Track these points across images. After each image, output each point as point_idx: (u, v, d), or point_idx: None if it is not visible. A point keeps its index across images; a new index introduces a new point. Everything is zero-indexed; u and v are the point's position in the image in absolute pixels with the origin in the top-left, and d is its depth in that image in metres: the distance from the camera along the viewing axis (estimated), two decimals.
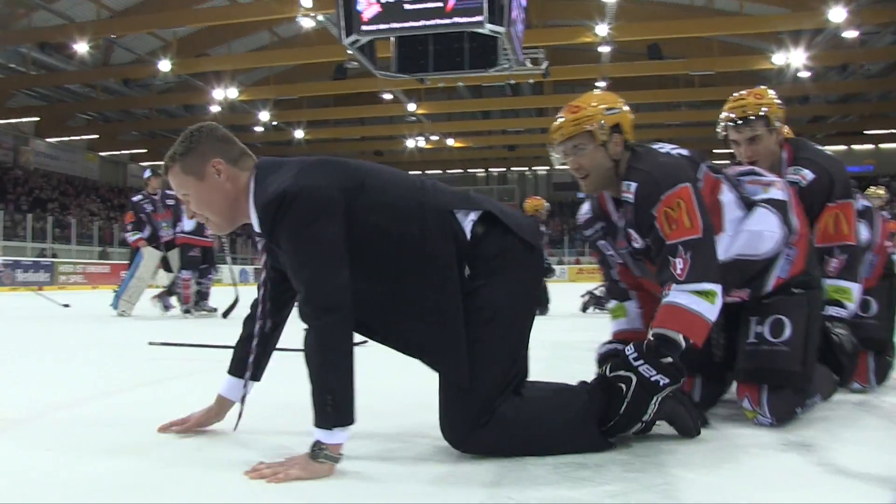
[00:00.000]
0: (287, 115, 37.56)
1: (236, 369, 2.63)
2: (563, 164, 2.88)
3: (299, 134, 39.85)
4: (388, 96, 33.90)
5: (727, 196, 2.87)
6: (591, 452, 2.32)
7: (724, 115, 3.52)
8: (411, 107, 34.55)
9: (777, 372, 2.79)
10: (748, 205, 2.89)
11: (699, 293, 2.51)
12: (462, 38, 13.70)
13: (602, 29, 24.41)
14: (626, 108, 2.85)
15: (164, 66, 27.51)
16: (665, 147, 2.89)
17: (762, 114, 3.41)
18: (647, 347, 2.47)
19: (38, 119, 38.46)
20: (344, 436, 2.14)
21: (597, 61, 29.78)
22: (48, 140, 40.40)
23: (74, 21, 25.94)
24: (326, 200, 2.21)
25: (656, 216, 2.59)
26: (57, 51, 27.66)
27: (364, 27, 13.12)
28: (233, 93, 31.49)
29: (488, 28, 12.67)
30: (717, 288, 2.53)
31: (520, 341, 2.44)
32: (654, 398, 2.43)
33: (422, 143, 43.00)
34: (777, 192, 2.93)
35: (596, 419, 2.39)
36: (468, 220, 2.40)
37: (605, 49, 28.12)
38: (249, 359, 2.58)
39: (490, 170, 55.53)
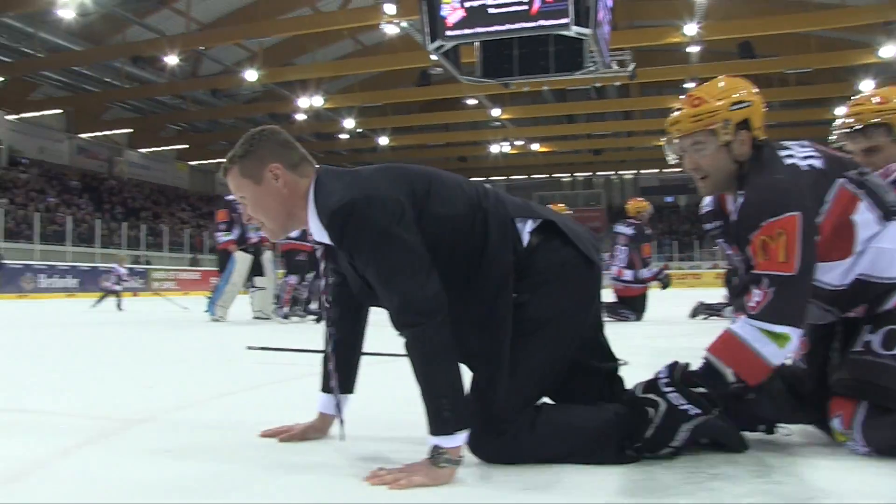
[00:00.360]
0: (372, 122, 37.80)
1: (325, 385, 2.60)
2: (678, 161, 2.58)
3: (384, 141, 40.08)
4: (472, 101, 33.83)
5: (863, 215, 2.39)
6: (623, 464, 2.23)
7: (839, 121, 3.06)
8: (496, 112, 34.37)
9: (880, 389, 2.32)
10: (889, 217, 2.42)
11: (769, 333, 2.25)
12: (547, 41, 13.43)
13: (691, 28, 23.71)
14: (757, 97, 2.48)
15: (251, 76, 27.95)
16: (798, 152, 2.46)
17: (882, 121, 2.90)
18: (682, 374, 2.31)
19: (131, 131, 39.62)
20: (462, 438, 2.10)
21: (685, 62, 29.11)
22: (140, 151, 41.57)
23: (165, 35, 26.50)
24: (400, 207, 2.17)
25: (752, 241, 2.32)
26: (149, 64, 28.36)
27: (448, 32, 12.99)
28: (318, 101, 31.79)
29: (574, 30, 12.38)
30: (793, 333, 2.27)
31: (558, 360, 2.35)
32: (683, 426, 2.26)
33: (506, 148, 42.84)
34: None
35: (619, 437, 2.27)
36: (526, 230, 2.34)
37: (693, 49, 27.46)
38: (333, 372, 2.55)
39: (575, 174, 54.95)
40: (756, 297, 2.28)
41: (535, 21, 12.44)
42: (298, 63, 31.91)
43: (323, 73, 31.32)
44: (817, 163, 2.42)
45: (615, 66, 18.03)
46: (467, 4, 12.78)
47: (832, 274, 2.41)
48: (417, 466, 2.08)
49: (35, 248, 26.84)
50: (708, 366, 2.30)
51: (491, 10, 12.68)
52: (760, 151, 2.44)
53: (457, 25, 12.99)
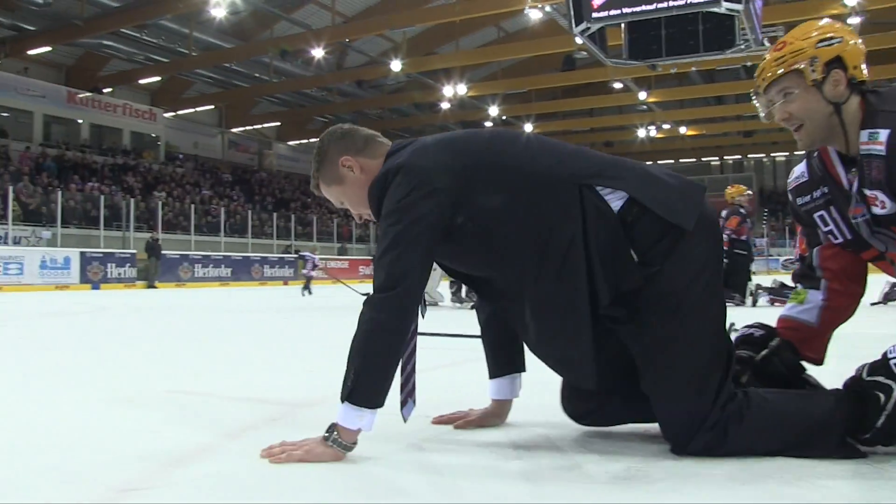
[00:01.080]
0: (516, 108, 37.48)
1: (490, 370, 2.51)
2: (771, 116, 2.23)
3: (528, 127, 39.67)
4: (618, 85, 32.98)
5: None
6: (836, 460, 1.95)
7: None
8: (642, 95, 33.38)
9: None
10: None
11: None
12: (696, 19, 12.92)
13: None
14: (854, 39, 2.14)
15: (395, 66, 28.07)
16: None
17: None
18: None
19: (279, 124, 40.68)
20: (360, 423, 2.01)
21: None
22: (289, 143, 42.63)
23: (311, 28, 26.91)
24: (425, 179, 2.08)
25: None
26: (296, 58, 28.89)
27: (595, 14, 12.65)
28: (462, 89, 31.73)
29: (725, 7, 11.88)
30: None
31: (718, 330, 2.13)
32: None
33: (653, 132, 41.69)
34: None
35: (843, 427, 2.00)
36: (617, 199, 2.08)
37: (854, 20, 25.70)
38: (497, 355, 2.49)
39: (725, 157, 53.09)
40: None
41: None
42: (442, 52, 31.87)
43: (466, 62, 31.16)
44: None
45: (767, 44, 17.13)
46: None
47: None
48: (310, 441, 2.03)
49: (191, 238, 27.83)
50: None
51: None
52: (874, 91, 2.11)
53: (603, 7, 12.69)
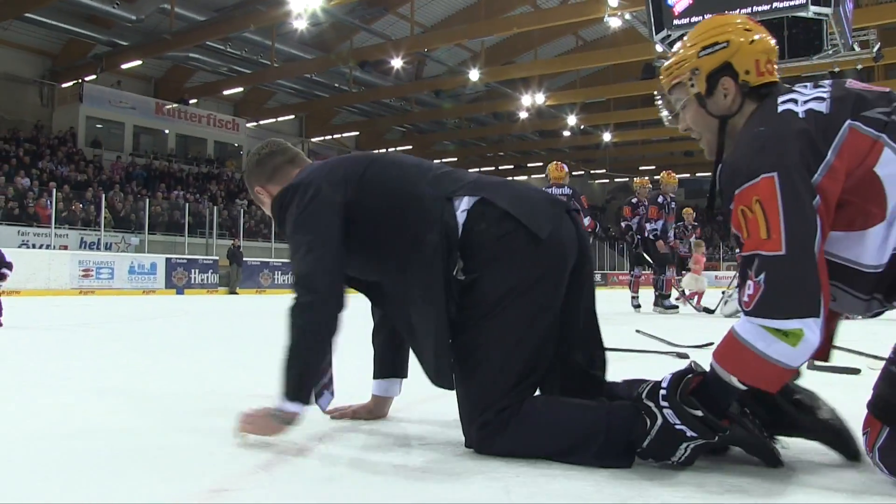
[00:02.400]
0: (594, 118, 37.23)
1: (375, 371, 2.76)
2: (673, 122, 2.19)
3: (607, 137, 39.39)
4: None
5: (890, 167, 1.79)
6: (609, 468, 2.02)
7: None
8: None
9: None
10: None
11: (773, 331, 1.78)
12: (782, 23, 12.57)
13: None
14: (748, 37, 2.00)
15: (474, 75, 28.20)
16: (804, 94, 1.92)
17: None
18: (684, 391, 1.92)
19: (357, 133, 41.16)
20: (297, 408, 2.26)
21: None
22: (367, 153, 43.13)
23: (390, 38, 27.20)
24: (318, 192, 2.32)
25: (732, 215, 1.87)
26: (375, 68, 29.24)
27: (676, 21, 12.50)
28: (540, 98, 31.70)
29: (812, 11, 11.53)
30: (805, 326, 1.76)
31: (529, 338, 2.20)
32: (682, 445, 1.92)
33: None
34: None
35: (607, 440, 2.04)
36: (461, 207, 2.26)
37: None
38: (383, 359, 2.75)
39: None
40: (749, 288, 1.81)
41: (770, 3, 11.80)
42: (520, 61, 31.89)
43: (545, 71, 31.11)
44: (820, 106, 1.87)
45: (857, 48, 16.68)
46: None
47: (863, 248, 1.83)
48: (260, 414, 2.29)
49: (271, 246, 28.32)
50: (714, 374, 1.90)
51: None
52: (762, 102, 1.98)
53: (684, 13, 12.52)
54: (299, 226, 2.30)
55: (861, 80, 2.11)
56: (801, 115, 1.88)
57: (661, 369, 2.48)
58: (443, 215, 2.25)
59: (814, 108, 1.89)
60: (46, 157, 25.85)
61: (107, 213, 22.82)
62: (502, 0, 27.93)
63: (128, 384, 3.79)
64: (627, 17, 22.37)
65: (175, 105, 32.38)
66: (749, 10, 11.96)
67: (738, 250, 1.94)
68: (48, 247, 20.26)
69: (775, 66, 2.05)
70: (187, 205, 25.71)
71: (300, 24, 24.41)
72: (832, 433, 2.08)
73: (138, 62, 27.98)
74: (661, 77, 2.14)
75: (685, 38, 2.11)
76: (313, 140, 40.96)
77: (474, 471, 2.03)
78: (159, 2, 23.57)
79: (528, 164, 50.07)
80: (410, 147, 43.82)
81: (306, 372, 2.28)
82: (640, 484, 1.89)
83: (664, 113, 2.24)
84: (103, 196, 23.07)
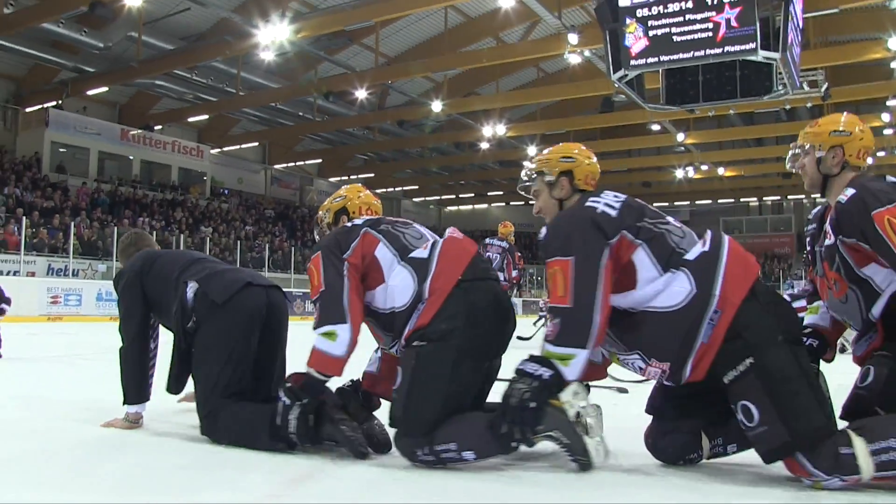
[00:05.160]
0: None
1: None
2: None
3: None
4: (656, 127, 33.27)
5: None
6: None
7: None
8: (680, 137, 33.63)
9: (775, 451, 2.71)
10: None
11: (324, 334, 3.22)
12: (734, 65, 13.13)
13: (895, 42, 21.98)
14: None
15: (436, 106, 28.66)
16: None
17: (535, 169, 3.47)
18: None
19: (320, 161, 41.47)
20: (133, 409, 3.91)
21: (888, 77, 27.26)
22: (330, 179, 43.36)
23: (355, 70, 27.60)
24: (127, 278, 4.01)
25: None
26: (339, 97, 29.64)
27: (633, 62, 12.89)
28: (501, 129, 32.21)
29: (762, 55, 12.01)
30: (336, 328, 3.20)
31: (226, 365, 3.58)
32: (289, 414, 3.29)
33: (691, 173, 41.76)
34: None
35: (269, 431, 3.32)
36: (190, 288, 3.75)
37: None
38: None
39: (764, 199, 52.74)
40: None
41: (721, 47, 12.15)
42: (482, 92, 32.48)
43: (506, 103, 31.70)
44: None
45: (806, 88, 17.33)
46: (651, 33, 12.64)
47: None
48: (120, 419, 3.92)
49: None
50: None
51: (676, 38, 12.48)
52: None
53: (641, 54, 12.88)
54: (122, 301, 4.01)
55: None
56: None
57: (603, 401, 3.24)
58: (179, 294, 3.76)
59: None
60: (12, 182, 25.80)
61: (75, 240, 22.87)
62: (466, 33, 28.45)
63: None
64: (587, 53, 23.11)
65: (140, 131, 32.44)
66: (702, 52, 12.44)
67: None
68: (17, 273, 20.26)
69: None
70: (154, 232, 25.80)
71: (267, 55, 24.79)
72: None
73: (104, 88, 28.09)
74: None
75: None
76: (276, 167, 41.19)
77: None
78: (127, 30, 23.70)
79: (489, 193, 50.74)
80: (373, 175, 44.19)
81: (128, 387, 3.89)
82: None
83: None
84: (72, 224, 23.10)
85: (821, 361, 3.16)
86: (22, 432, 3.82)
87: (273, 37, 21.70)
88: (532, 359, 2.92)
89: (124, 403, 3.86)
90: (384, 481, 2.77)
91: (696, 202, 51.33)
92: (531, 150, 35.70)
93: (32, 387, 5.70)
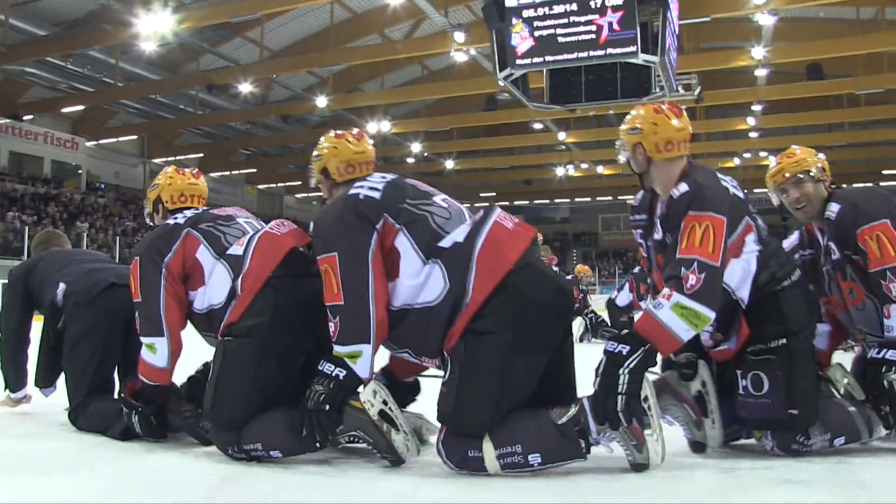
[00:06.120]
0: (438, 146, 38.13)
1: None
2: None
3: (450, 164, 40.45)
4: (538, 126, 33.94)
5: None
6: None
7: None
8: (561, 135, 34.42)
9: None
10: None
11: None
12: (615, 67, 13.52)
13: (758, 52, 23.10)
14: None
15: (321, 102, 28.49)
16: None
17: None
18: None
19: (202, 155, 40.56)
20: (15, 395, 4.32)
21: (752, 84, 28.74)
22: (211, 175, 42.38)
23: (238, 63, 27.10)
24: (12, 276, 4.30)
25: None
26: (222, 91, 29.09)
27: (518, 61, 13.17)
28: (385, 126, 32.23)
29: (642, 58, 12.50)
30: (155, 342, 3.41)
31: (89, 365, 3.75)
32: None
33: (571, 170, 42.78)
34: None
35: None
36: (60, 290, 3.95)
37: (761, 72, 27.12)
38: None
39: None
40: None
41: (604, 49, 12.56)
42: (366, 88, 32.39)
43: (390, 99, 31.80)
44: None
45: (681, 91, 17.99)
46: (537, 34, 12.94)
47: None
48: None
49: None
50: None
51: (560, 39, 12.83)
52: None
53: (526, 54, 13.17)
54: (3, 293, 4.31)
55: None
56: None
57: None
58: (50, 295, 3.97)
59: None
60: None
61: None
62: (351, 29, 28.30)
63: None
64: (473, 52, 23.38)
65: (7, 121, 30.97)
66: (586, 54, 12.80)
67: None
68: None
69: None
70: (26, 227, 24.75)
71: (148, 46, 24.12)
72: None
73: None
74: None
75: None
76: (155, 161, 40.02)
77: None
78: None
79: None
80: (255, 170, 43.53)
81: (7, 376, 4.27)
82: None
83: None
84: None
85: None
86: None
87: (155, 27, 21.03)
88: (329, 358, 2.89)
89: (4, 389, 4.33)
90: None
91: (576, 199, 52.51)
92: (415, 146, 35.91)
93: None
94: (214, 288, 3.28)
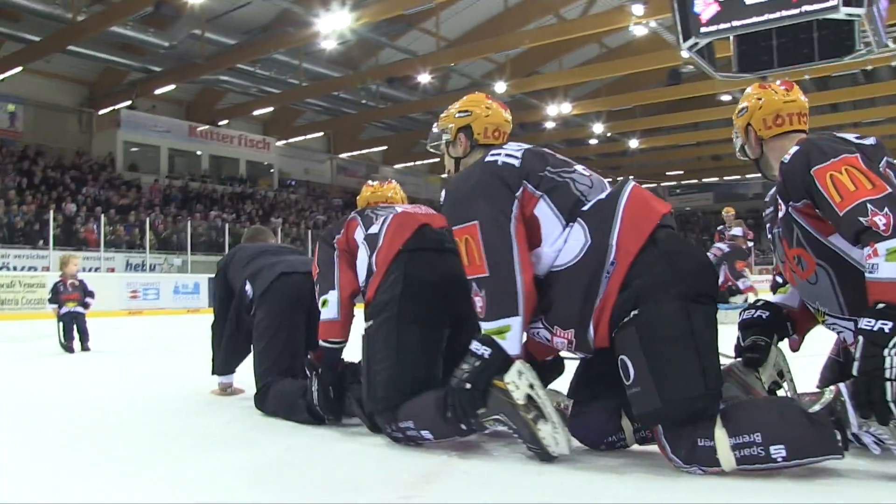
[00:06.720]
0: (621, 125, 37.23)
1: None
2: None
3: (634, 143, 39.50)
4: (725, 97, 32.47)
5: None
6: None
7: None
8: None
9: (645, 416, 2.48)
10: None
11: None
12: (811, 26, 12.36)
13: None
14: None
15: (499, 87, 28.38)
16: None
17: None
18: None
19: (385, 148, 41.52)
20: (221, 380, 4.59)
21: None
22: (395, 167, 43.43)
23: (416, 55, 27.49)
24: (218, 268, 4.65)
25: None
26: (401, 83, 29.60)
27: (703, 29, 12.50)
28: (566, 108, 31.83)
29: (843, 12, 11.26)
30: (327, 296, 3.47)
31: (270, 350, 3.93)
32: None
33: None
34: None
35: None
36: (248, 283, 4.21)
37: None
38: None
39: None
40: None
41: (798, 7, 11.53)
42: (545, 71, 32.06)
43: (569, 81, 31.22)
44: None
45: (892, 45, 16.62)
46: None
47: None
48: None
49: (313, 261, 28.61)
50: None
51: (747, 2, 12.03)
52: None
53: (711, 21, 12.47)
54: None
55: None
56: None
57: None
58: (238, 287, 4.29)
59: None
60: (89, 182, 26.47)
61: (150, 235, 23.38)
62: (525, 11, 28.13)
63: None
64: (653, 24, 22.62)
65: (207, 127, 32.95)
66: (777, 14, 11.93)
67: None
68: (97, 270, 20.78)
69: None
70: (226, 225, 26.18)
71: (328, 44, 24.85)
72: None
73: (171, 87, 28.48)
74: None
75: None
76: (341, 156, 41.38)
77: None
78: (190, 27, 24.01)
79: None
80: (438, 160, 43.95)
81: (215, 360, 4.53)
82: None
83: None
84: (147, 219, 23.64)
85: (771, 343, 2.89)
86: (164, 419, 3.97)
87: (334, 25, 21.74)
88: (478, 337, 2.67)
89: (212, 374, 4.58)
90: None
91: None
92: (597, 127, 35.28)
93: (136, 381, 5.77)
94: (359, 267, 3.43)
